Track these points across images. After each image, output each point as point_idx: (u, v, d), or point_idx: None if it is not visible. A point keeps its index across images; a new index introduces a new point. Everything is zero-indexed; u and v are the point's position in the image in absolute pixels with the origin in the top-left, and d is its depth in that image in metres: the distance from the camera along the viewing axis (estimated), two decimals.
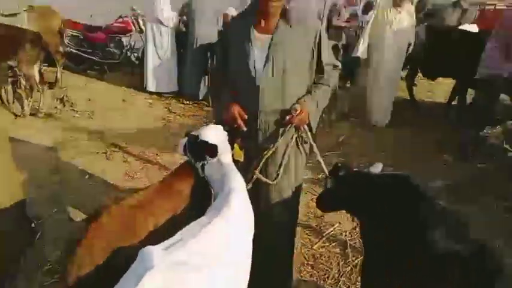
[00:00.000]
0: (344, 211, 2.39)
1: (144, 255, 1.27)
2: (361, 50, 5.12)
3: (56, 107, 5.27)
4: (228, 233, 1.55)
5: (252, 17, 1.93)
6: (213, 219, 1.55)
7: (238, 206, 1.65)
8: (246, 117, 1.93)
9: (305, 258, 2.87)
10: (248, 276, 1.63)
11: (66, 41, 6.77)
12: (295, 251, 2.74)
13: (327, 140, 4.94)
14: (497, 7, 12.16)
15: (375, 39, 5.05)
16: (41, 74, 4.99)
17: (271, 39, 1.89)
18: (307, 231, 3.16)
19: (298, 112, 1.90)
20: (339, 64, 2.13)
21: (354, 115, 5.68)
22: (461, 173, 4.21)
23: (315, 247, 2.98)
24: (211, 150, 1.78)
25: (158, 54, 6.07)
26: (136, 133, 4.74)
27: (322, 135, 5.05)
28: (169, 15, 5.89)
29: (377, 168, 2.15)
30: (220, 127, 1.90)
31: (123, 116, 5.29)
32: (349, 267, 2.80)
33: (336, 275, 2.73)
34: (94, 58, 7.02)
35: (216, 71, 2.17)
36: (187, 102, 5.98)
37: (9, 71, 4.78)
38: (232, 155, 1.93)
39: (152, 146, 4.44)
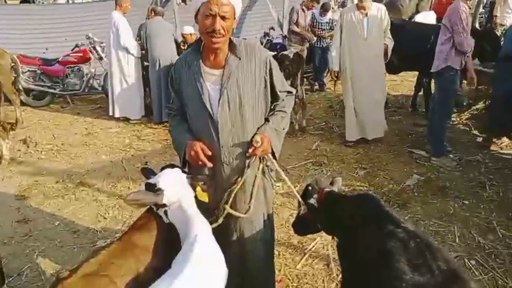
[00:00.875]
0: None
1: None
2: (335, 62, 4.73)
3: (19, 150, 5.06)
4: (197, 284, 1.49)
5: (200, 52, 1.88)
6: (179, 273, 1.48)
7: (204, 253, 1.60)
8: (209, 153, 1.88)
9: (289, 280, 2.82)
10: None
11: (24, 77, 6.56)
12: (278, 273, 2.70)
13: (300, 147, 4.93)
14: None
15: (346, 48, 4.61)
16: None
17: (223, 73, 1.85)
18: (289, 250, 3.12)
19: (260, 144, 1.86)
20: (293, 90, 2.10)
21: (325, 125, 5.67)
22: (433, 167, 4.26)
23: (298, 266, 2.94)
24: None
25: (126, 81, 5.92)
26: (105, 167, 4.59)
27: (296, 142, 5.05)
28: (134, 44, 5.81)
29: (337, 183, 2.24)
30: (177, 171, 1.83)
31: (90, 149, 5.12)
32: (334, 283, 2.76)
33: None
34: (55, 91, 6.82)
35: (170, 109, 2.10)
36: (156, 126, 5.87)
37: None
38: (196, 196, 1.87)
39: (123, 178, 4.32)
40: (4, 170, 4.50)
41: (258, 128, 1.95)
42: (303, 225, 2.31)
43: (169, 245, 1.86)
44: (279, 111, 2.03)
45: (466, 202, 3.60)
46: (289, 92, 2.08)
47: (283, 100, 2.04)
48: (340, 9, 9.49)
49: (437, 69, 4.13)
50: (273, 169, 2.12)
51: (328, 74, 7.45)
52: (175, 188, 1.77)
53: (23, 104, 6.30)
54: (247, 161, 1.95)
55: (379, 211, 1.85)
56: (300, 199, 2.17)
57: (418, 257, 1.52)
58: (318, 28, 6.94)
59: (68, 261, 3.01)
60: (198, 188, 1.88)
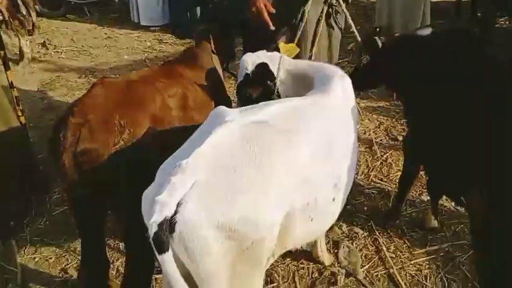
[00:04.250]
0: None
1: (217, 113, 1.12)
2: None
3: (38, 52, 4.87)
4: (326, 109, 1.31)
5: None
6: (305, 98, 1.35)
7: (341, 90, 1.42)
8: (273, 10, 1.61)
9: None
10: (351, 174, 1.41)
11: None
12: None
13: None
14: None
15: None
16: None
17: None
18: None
19: None
20: None
21: None
22: None
23: None
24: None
25: None
26: (128, 65, 4.41)
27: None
28: None
29: (426, 31, 1.80)
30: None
31: (111, 51, 4.90)
32: (379, 162, 2.60)
33: (366, 170, 2.54)
34: (71, 0, 6.47)
35: None
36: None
37: None
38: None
39: None
40: (25, 67, 4.35)
41: None
42: (363, 78, 1.95)
43: (219, 92, 1.73)
44: None
45: None
46: None
47: None
48: None
49: None
50: (339, 11, 1.85)
51: None
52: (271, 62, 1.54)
53: (38, 14, 5.99)
54: None
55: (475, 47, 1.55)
56: (359, 38, 1.87)
57: None
58: None
59: None
60: (282, 44, 1.65)
